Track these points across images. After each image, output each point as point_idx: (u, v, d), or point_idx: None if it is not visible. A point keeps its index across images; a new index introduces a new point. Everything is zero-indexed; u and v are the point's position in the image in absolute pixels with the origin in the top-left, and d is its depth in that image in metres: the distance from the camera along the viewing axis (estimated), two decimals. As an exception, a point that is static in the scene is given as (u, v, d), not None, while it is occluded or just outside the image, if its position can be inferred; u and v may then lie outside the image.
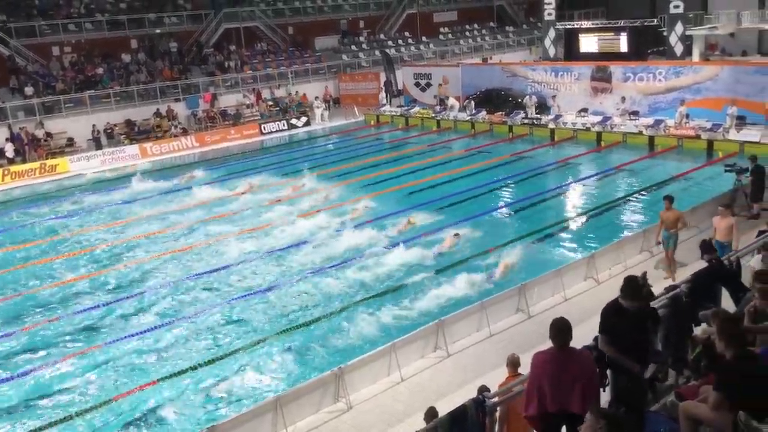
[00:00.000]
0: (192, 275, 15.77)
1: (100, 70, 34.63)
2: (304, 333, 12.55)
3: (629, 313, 6.28)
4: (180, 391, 10.89)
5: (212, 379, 11.20)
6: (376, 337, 11.93)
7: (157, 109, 33.68)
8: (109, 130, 31.87)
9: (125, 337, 12.83)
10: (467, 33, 49.11)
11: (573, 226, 17.71)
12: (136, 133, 32.58)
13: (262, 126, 34.38)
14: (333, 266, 15.59)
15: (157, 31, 37.88)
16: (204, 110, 35.05)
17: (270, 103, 37.21)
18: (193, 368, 11.47)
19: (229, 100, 36.41)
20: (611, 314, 6.48)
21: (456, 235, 16.53)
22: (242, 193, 22.78)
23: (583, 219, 18.07)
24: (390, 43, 45.14)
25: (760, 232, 11.22)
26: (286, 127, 34.84)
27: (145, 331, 13.01)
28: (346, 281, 14.76)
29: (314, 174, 24.00)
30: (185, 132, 33.14)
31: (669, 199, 13.37)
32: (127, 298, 14.74)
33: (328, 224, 18.57)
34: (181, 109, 34.67)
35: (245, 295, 14.42)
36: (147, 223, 20.22)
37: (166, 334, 12.90)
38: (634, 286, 6.36)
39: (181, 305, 14.27)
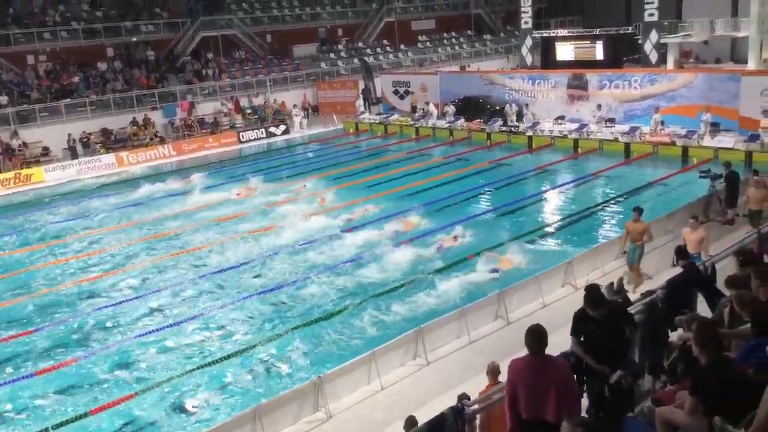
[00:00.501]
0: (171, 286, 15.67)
1: (75, 79, 34.30)
2: (278, 346, 12.49)
3: (598, 320, 6.36)
4: (154, 402, 10.77)
5: (190, 389, 11.10)
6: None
7: (134, 118, 33.42)
8: (85, 139, 31.54)
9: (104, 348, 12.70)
10: (445, 41, 49.39)
11: (550, 232, 17.81)
12: (112, 141, 32.29)
13: (241, 134, 34.25)
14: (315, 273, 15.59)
15: (134, 39, 37.63)
16: (181, 119, 34.84)
17: (248, 111, 37.10)
18: (169, 380, 11.36)
19: (206, 109, 36.24)
20: (580, 321, 6.56)
21: (455, 238, 16.94)
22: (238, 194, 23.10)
23: (561, 225, 18.17)
24: (368, 51, 45.25)
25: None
26: (264, 135, 34.73)
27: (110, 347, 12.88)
28: (334, 286, 14.79)
29: (296, 182, 23.97)
30: (162, 140, 32.91)
31: (638, 210, 13.27)
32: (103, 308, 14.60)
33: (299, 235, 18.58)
34: (158, 117, 34.43)
35: (232, 302, 14.34)
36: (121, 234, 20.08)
37: (138, 351, 12.76)
38: (595, 296, 6.49)
39: (157, 316, 14.16)
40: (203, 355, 12.31)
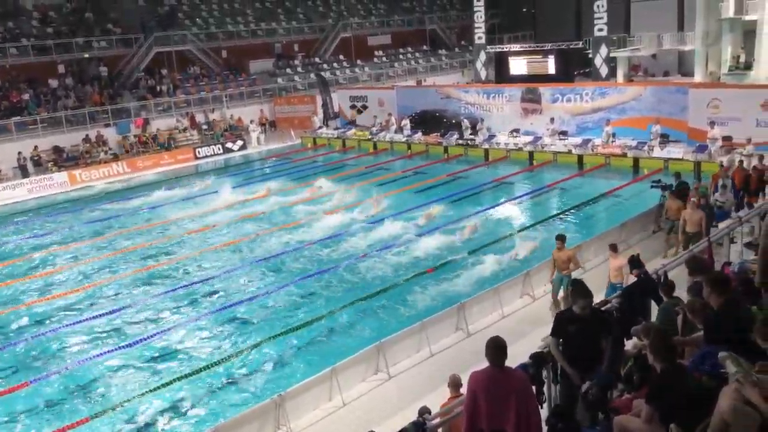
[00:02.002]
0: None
1: (25, 96, 33.53)
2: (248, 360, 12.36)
3: (581, 320, 6.47)
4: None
5: (148, 410, 10.89)
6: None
7: (87, 135, 32.79)
8: (36, 158, 30.82)
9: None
10: (401, 56, 49.78)
11: (508, 243, 17.97)
12: (64, 159, 31.61)
13: (197, 150, 33.89)
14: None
15: (86, 55, 36.98)
16: (135, 135, 34.31)
17: (204, 127, 36.76)
18: (128, 401, 11.13)
19: (161, 125, 35.78)
20: (562, 321, 6.67)
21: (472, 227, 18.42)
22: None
23: (518, 237, 18.35)
24: (325, 66, 45.32)
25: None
26: (221, 151, 34.42)
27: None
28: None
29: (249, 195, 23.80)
30: (116, 158, 32.34)
31: (561, 238, 12.88)
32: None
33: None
34: (111, 134, 33.84)
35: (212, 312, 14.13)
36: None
37: (95, 369, 12.48)
38: (583, 287, 6.68)
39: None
40: (159, 375, 12.09)
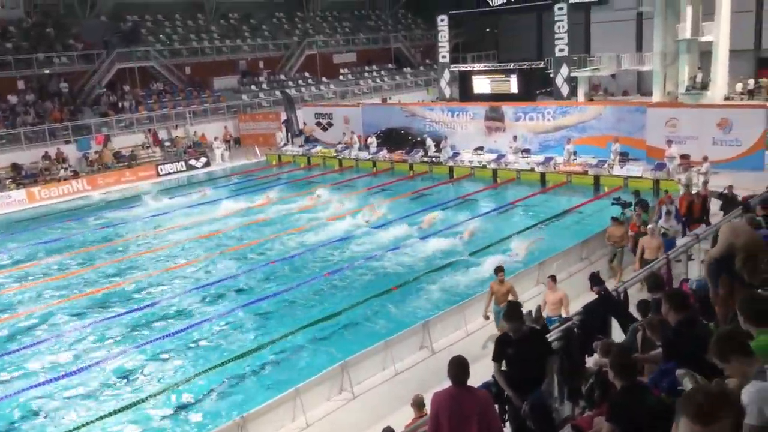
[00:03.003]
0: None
1: (-17, 112, 32.85)
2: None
3: (519, 342, 6.53)
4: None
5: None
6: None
7: (46, 152, 32.18)
8: (-7, 175, 30.16)
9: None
10: (366, 74, 50.01)
11: (473, 260, 18.08)
12: (23, 177, 30.93)
13: (159, 167, 33.47)
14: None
15: (47, 71, 36.35)
16: (96, 152, 33.79)
17: (167, 144, 36.38)
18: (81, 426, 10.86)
19: (123, 141, 35.30)
20: (501, 344, 6.72)
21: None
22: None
23: (481, 254, 18.46)
24: (290, 83, 45.29)
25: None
26: (184, 168, 34.03)
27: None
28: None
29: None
30: (76, 175, 31.76)
31: (500, 270, 12.42)
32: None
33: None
34: (71, 151, 33.26)
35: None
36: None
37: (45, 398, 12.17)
38: (513, 310, 6.75)
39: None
40: (119, 396, 11.84)
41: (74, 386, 12.37)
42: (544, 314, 11.08)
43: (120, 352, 13.56)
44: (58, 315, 15.89)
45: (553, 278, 12.20)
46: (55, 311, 16.10)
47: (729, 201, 15.97)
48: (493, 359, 6.76)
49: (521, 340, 6.60)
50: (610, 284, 11.14)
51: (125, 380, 12.56)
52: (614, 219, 15.49)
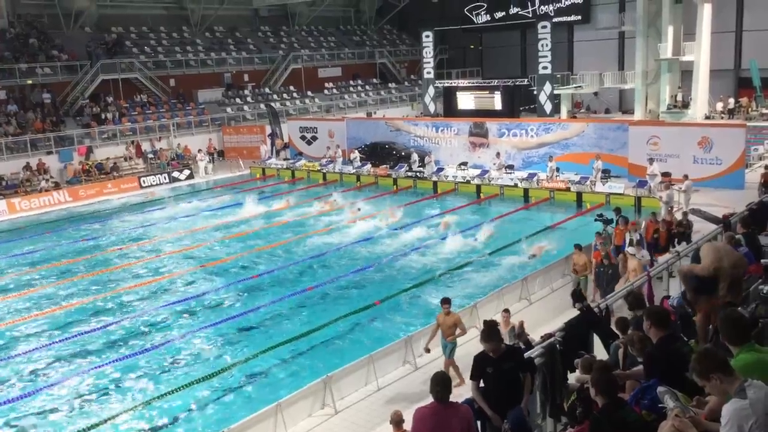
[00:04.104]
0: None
1: (-37, 122, 32.51)
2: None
3: (497, 361, 6.53)
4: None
5: None
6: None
7: (27, 163, 31.89)
8: (-27, 186, 29.81)
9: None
10: (351, 88, 50.19)
11: (457, 274, 18.09)
12: (3, 187, 30.60)
13: (142, 179, 33.26)
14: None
15: (29, 82, 36.10)
16: (79, 163, 33.53)
17: (150, 156, 36.20)
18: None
19: (106, 153, 35.07)
20: (478, 363, 6.72)
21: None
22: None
23: (468, 268, 18.50)
24: (275, 96, 45.32)
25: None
26: (167, 181, 33.86)
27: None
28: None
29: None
30: (57, 186, 31.48)
31: (446, 301, 11.70)
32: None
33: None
34: (53, 162, 32.99)
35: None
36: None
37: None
38: (489, 329, 6.73)
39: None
40: (94, 413, 11.69)
41: (47, 401, 12.20)
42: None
43: (92, 366, 13.40)
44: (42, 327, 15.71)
45: (506, 311, 12.03)
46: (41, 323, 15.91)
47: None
48: (471, 378, 6.75)
49: (500, 359, 6.61)
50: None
51: (102, 395, 12.40)
52: (577, 246, 15.12)
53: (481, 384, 6.69)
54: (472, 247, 20.14)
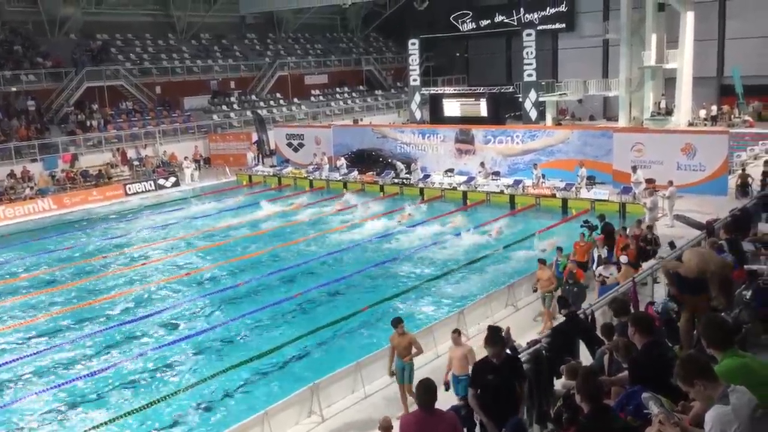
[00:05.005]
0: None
1: (-54, 129, 32.20)
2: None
3: (497, 368, 6.55)
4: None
5: None
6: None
7: (11, 171, 31.62)
8: (-44, 193, 29.50)
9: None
10: (338, 95, 50.24)
11: (443, 282, 18.13)
12: (-13, 195, 30.34)
13: (127, 187, 33.05)
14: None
15: (13, 89, 35.82)
16: (63, 171, 33.30)
17: (136, 163, 36.02)
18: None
19: (91, 160, 34.85)
20: (478, 371, 6.73)
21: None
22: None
23: (455, 275, 18.54)
24: (261, 103, 45.26)
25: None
26: (153, 188, 33.65)
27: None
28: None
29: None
30: (42, 193, 31.21)
31: (398, 321, 10.92)
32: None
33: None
34: (38, 169, 32.73)
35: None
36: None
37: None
38: (494, 335, 6.72)
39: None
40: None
41: (17, 415, 12.04)
42: (450, 374, 10.24)
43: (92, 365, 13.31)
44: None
45: (456, 332, 10.65)
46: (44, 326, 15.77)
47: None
48: (470, 386, 6.73)
49: (501, 367, 6.62)
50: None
51: (76, 407, 12.30)
52: (541, 261, 14.50)
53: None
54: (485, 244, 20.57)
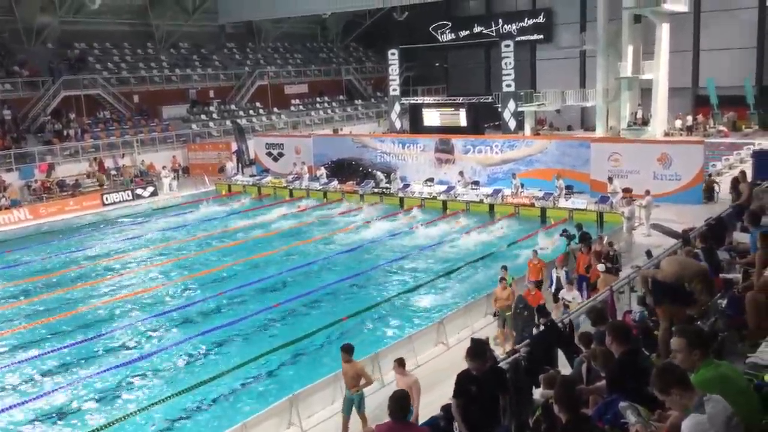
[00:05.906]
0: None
1: None
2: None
3: (480, 380, 6.54)
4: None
5: None
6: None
7: (-14, 180, 31.22)
8: (-71, 203, 29.00)
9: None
10: (318, 105, 50.24)
11: (424, 291, 18.14)
12: (-38, 205, 29.85)
13: (105, 196, 32.70)
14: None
15: (-11, 97, 35.41)
16: (39, 180, 32.89)
17: (113, 172, 35.67)
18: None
19: (68, 170, 34.46)
20: (462, 382, 6.71)
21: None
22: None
23: (433, 284, 18.57)
24: (241, 113, 45.10)
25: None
26: (130, 198, 33.33)
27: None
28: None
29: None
30: (17, 203, 30.78)
31: (346, 349, 10.34)
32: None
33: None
34: (14, 179, 32.29)
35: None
36: None
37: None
38: (477, 347, 6.68)
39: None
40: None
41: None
42: None
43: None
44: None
45: (400, 362, 10.14)
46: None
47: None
48: (453, 396, 6.70)
49: (484, 378, 6.61)
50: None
51: (59, 417, 12.13)
52: (502, 280, 13.75)
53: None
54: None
